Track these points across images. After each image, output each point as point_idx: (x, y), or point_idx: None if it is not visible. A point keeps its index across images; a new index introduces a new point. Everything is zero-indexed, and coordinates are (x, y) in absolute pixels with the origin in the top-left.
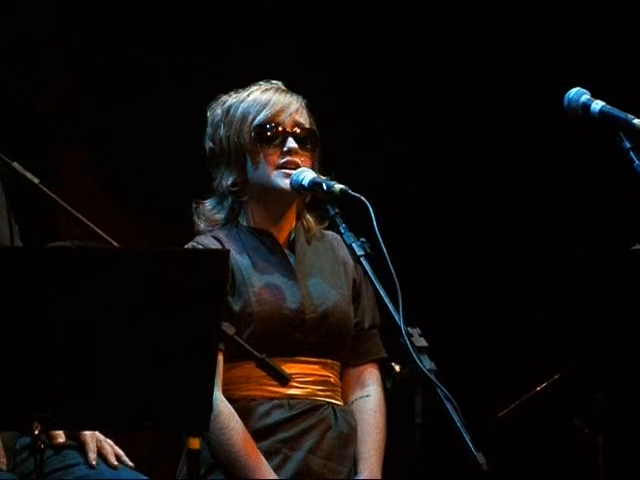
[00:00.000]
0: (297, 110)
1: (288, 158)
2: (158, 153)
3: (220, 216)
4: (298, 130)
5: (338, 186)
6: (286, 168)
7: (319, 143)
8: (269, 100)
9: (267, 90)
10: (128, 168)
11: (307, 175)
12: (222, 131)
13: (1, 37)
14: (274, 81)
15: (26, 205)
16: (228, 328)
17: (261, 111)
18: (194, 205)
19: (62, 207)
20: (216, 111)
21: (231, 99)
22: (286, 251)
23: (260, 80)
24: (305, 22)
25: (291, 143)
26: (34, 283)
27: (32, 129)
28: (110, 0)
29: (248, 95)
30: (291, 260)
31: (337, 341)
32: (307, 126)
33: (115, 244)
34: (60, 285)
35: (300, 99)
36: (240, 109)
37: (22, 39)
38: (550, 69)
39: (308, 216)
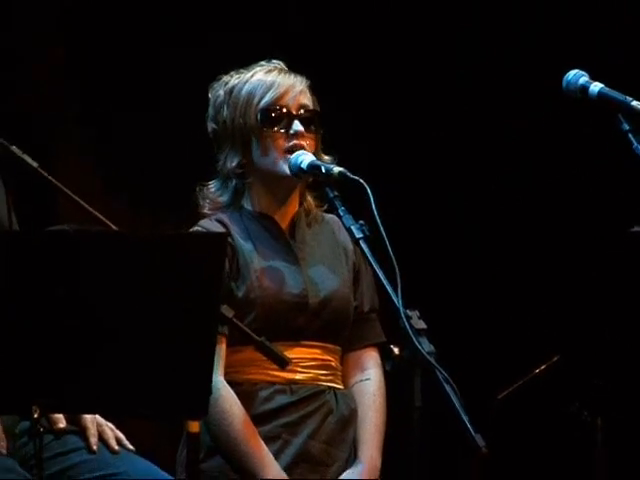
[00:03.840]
0: (302, 91)
1: (295, 142)
2: (158, 141)
3: (224, 198)
4: (303, 112)
5: (337, 169)
6: (292, 152)
7: (322, 124)
8: (274, 82)
9: (271, 71)
10: (129, 156)
11: (305, 158)
12: (226, 112)
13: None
14: (275, 61)
15: (25, 189)
16: (227, 311)
17: (266, 93)
18: (198, 187)
19: (61, 191)
20: (218, 92)
21: (233, 80)
22: (288, 236)
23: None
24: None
25: (297, 126)
26: (33, 267)
27: (30, 119)
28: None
29: (252, 76)
30: (293, 245)
31: (339, 326)
32: (311, 107)
33: (114, 228)
34: (59, 269)
35: (304, 80)
36: (244, 90)
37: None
38: (549, 52)
39: (309, 198)
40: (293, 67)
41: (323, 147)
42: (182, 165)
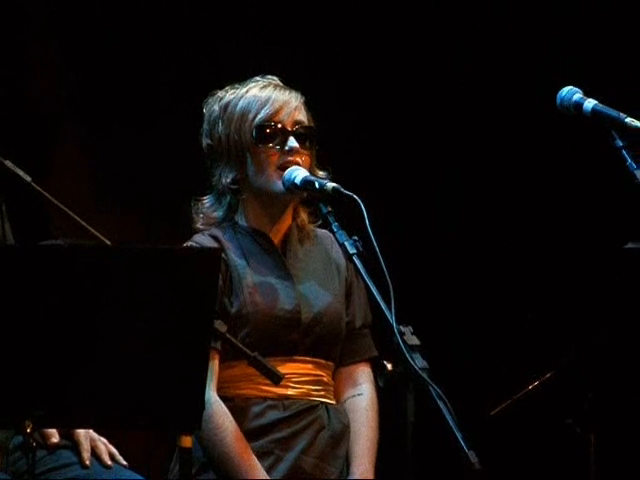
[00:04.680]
0: (297, 107)
1: (289, 158)
2: (153, 153)
3: (218, 214)
4: (298, 128)
5: (330, 184)
6: (287, 168)
7: (317, 140)
8: (269, 97)
9: (265, 87)
10: (123, 168)
11: (299, 174)
12: (221, 128)
13: None
14: (270, 76)
15: (18, 203)
16: (220, 326)
17: (261, 109)
18: (192, 202)
19: (54, 205)
20: (213, 107)
21: (228, 95)
22: (280, 252)
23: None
24: (299, 17)
25: (292, 142)
26: (26, 281)
27: (26, 126)
28: (106, 3)
29: (247, 91)
30: (285, 261)
31: (331, 341)
32: (306, 124)
33: (108, 242)
34: (52, 284)
35: (299, 96)
36: (239, 106)
37: (18, 40)
38: (544, 67)
39: (303, 213)
40: (288, 81)
41: (317, 163)
42: (175, 177)
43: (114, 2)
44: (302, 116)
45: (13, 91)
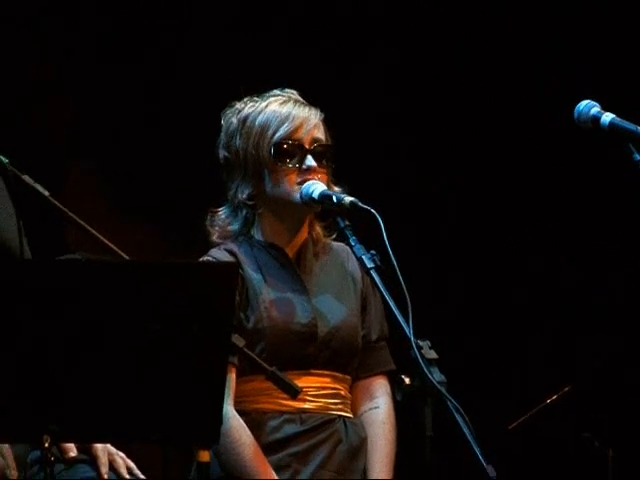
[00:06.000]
0: (316, 125)
1: (306, 176)
2: (169, 165)
3: (234, 227)
4: (316, 146)
5: (348, 198)
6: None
7: (334, 157)
8: (289, 114)
9: (285, 102)
10: (138, 181)
11: (317, 187)
12: (238, 142)
13: (6, 50)
14: (289, 90)
15: (36, 218)
16: (238, 340)
17: (281, 126)
18: (208, 215)
19: (72, 219)
20: (231, 119)
21: (247, 108)
22: (295, 266)
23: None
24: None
25: (310, 161)
26: (45, 296)
27: (39, 142)
28: (116, 11)
29: (266, 106)
30: (301, 275)
31: (347, 355)
32: (324, 142)
33: (125, 257)
34: (70, 298)
35: (318, 112)
36: (258, 121)
37: (27, 51)
38: (562, 82)
39: (318, 227)
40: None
41: (334, 179)
42: (190, 191)
43: (125, 14)
44: (320, 134)
45: (29, 108)
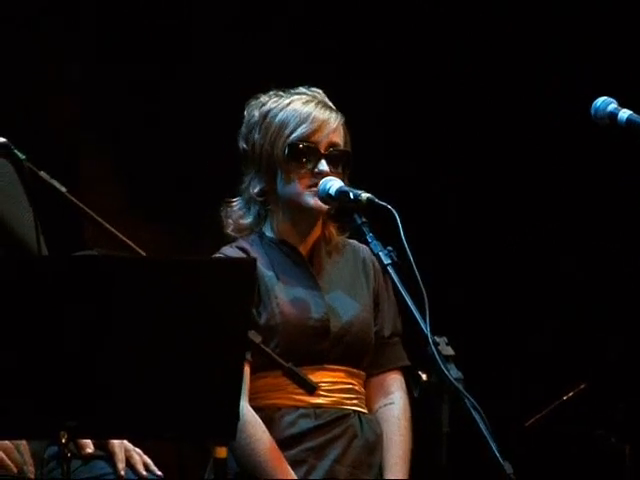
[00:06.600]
0: (335, 129)
1: (318, 180)
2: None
3: (247, 220)
4: (332, 151)
5: (365, 195)
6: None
7: (351, 163)
8: (308, 115)
9: (308, 102)
10: (154, 179)
11: (334, 184)
12: (257, 136)
13: (21, 53)
14: (315, 89)
15: (53, 214)
16: (255, 336)
17: (299, 126)
18: (223, 206)
19: (89, 216)
20: (254, 112)
21: (270, 103)
22: (308, 264)
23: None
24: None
25: (323, 166)
26: (62, 292)
27: (54, 139)
28: (128, 10)
29: (288, 104)
30: (313, 272)
31: (360, 350)
32: (342, 147)
33: (142, 253)
34: (87, 294)
35: (339, 116)
36: (278, 118)
37: (43, 54)
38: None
39: (331, 227)
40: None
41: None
42: (202, 187)
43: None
44: (339, 138)
45: (46, 107)
